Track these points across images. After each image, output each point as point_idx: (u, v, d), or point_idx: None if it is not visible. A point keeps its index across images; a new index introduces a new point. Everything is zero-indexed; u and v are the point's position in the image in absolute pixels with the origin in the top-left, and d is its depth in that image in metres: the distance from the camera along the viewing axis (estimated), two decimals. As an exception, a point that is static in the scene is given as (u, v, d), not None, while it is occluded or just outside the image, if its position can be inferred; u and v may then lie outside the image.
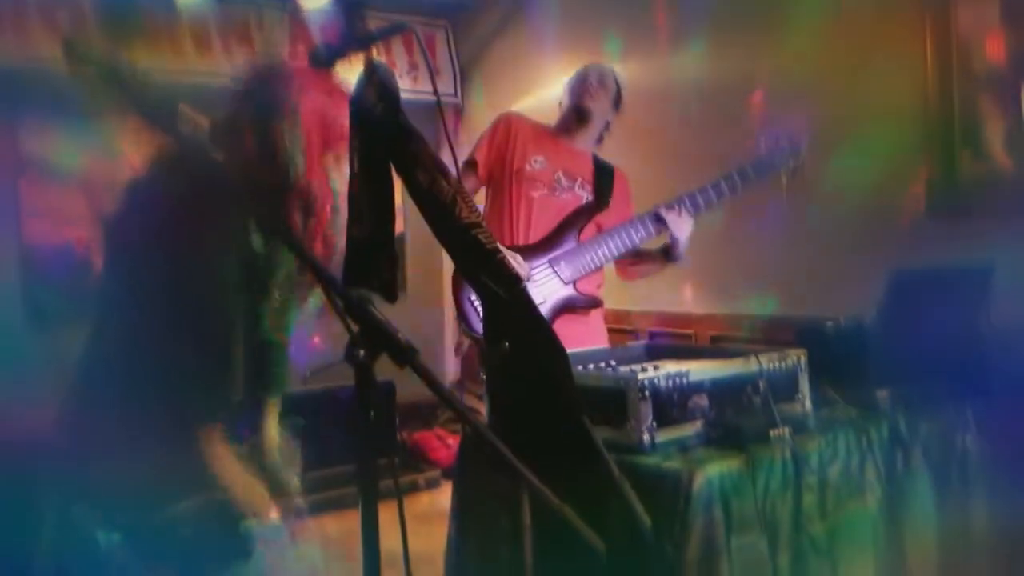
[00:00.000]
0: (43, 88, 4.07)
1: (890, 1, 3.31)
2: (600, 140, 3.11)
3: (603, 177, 3.02)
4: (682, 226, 2.84)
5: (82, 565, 1.72)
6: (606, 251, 2.85)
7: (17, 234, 4.32)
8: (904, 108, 3.33)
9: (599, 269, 2.91)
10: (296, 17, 4.86)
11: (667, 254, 2.96)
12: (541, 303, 2.80)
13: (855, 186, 3.32)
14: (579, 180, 2.99)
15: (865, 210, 3.30)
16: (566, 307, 2.86)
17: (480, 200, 3.04)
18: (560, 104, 3.08)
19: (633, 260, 3.03)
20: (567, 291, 2.84)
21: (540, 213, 2.90)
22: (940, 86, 3.26)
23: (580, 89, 3.00)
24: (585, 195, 2.98)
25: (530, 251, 2.82)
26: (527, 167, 2.92)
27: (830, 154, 2.97)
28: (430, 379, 1.18)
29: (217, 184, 1.51)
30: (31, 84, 4.13)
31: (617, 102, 3.07)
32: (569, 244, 2.87)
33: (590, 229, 2.94)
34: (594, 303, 2.95)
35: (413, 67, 5.12)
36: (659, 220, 2.83)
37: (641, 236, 2.85)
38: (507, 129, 2.98)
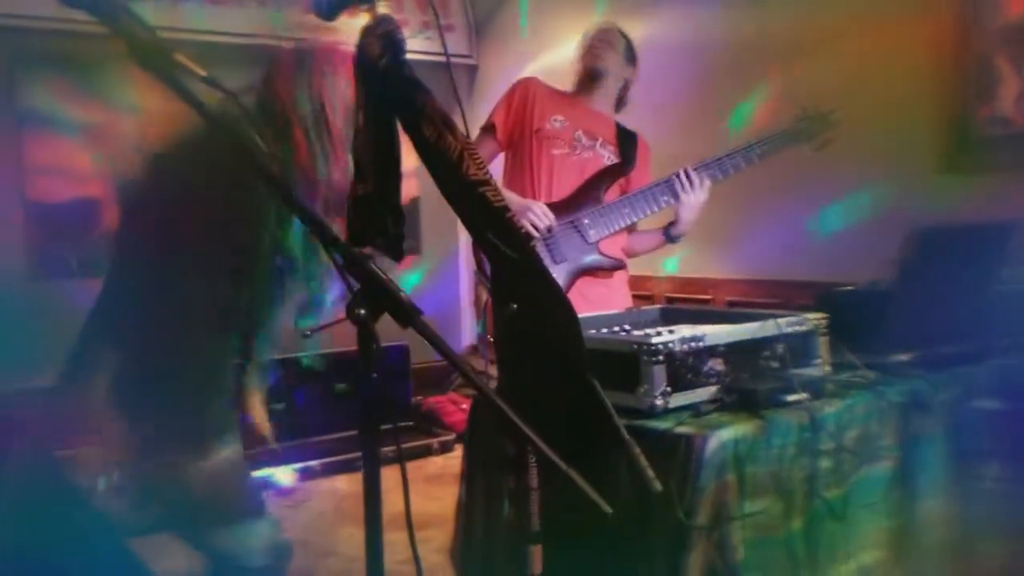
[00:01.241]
0: (45, 42, 4.05)
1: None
2: (622, 102, 3.06)
3: (626, 140, 2.98)
4: (699, 196, 2.78)
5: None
6: (631, 212, 2.80)
7: (21, 190, 4.30)
8: (920, 66, 3.26)
9: (623, 230, 2.86)
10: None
11: (668, 232, 2.91)
12: (563, 263, 2.76)
13: (871, 145, 3.26)
14: (600, 139, 2.94)
15: (881, 169, 3.24)
16: (589, 269, 2.82)
17: (499, 166, 3.01)
18: (574, 68, 3.03)
19: (630, 235, 2.98)
20: (591, 252, 2.80)
21: (561, 171, 2.86)
22: (957, 43, 3.20)
23: (587, 49, 2.96)
24: (607, 155, 2.93)
25: (553, 210, 2.77)
26: (547, 126, 2.88)
27: (845, 113, 2.90)
28: (433, 338, 1.15)
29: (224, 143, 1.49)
30: (32, 38, 4.10)
31: (630, 58, 3.01)
32: (593, 204, 2.82)
33: (613, 191, 2.89)
34: (618, 265, 2.91)
35: (426, 26, 5.04)
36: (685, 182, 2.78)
37: (666, 200, 2.80)
38: (524, 92, 2.94)
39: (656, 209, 2.81)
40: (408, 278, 5.28)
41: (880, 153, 3.25)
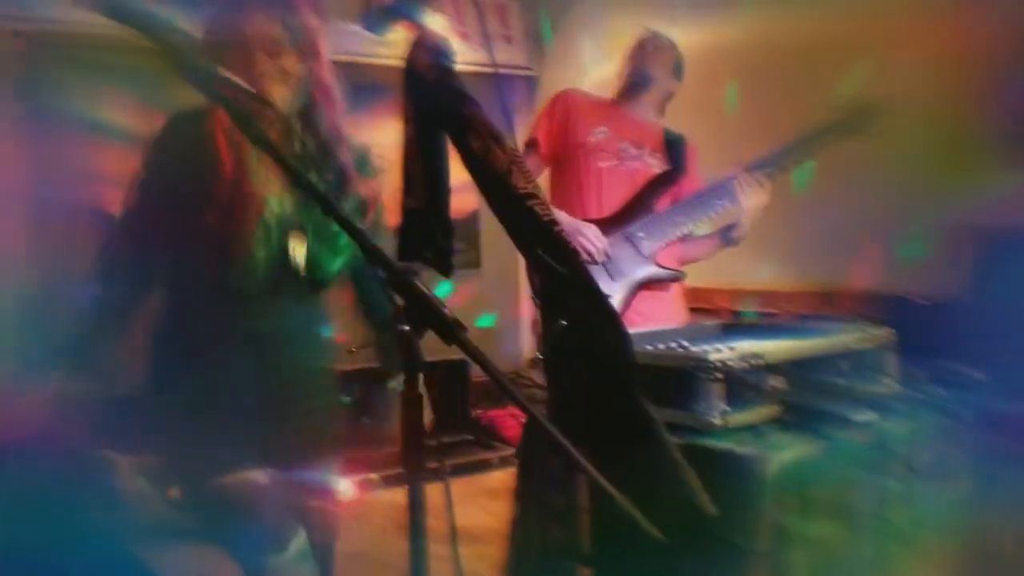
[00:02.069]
0: (119, 55, 4.15)
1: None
2: (661, 111, 2.99)
3: (674, 146, 2.90)
4: (758, 197, 2.69)
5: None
6: (685, 219, 2.73)
7: (95, 199, 4.40)
8: (980, 59, 3.12)
9: (679, 240, 2.79)
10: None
11: (725, 235, 2.82)
12: (619, 278, 2.71)
13: (938, 149, 3.14)
14: (647, 148, 2.86)
15: (953, 175, 3.12)
16: (647, 282, 2.75)
17: (543, 181, 2.97)
18: (618, 75, 2.97)
19: (684, 243, 2.87)
20: (646, 265, 2.74)
21: (610, 184, 2.79)
22: (1018, 35, 3.05)
23: (638, 55, 2.90)
24: (656, 163, 2.86)
25: (604, 224, 2.72)
26: (590, 139, 2.81)
27: (905, 114, 2.79)
28: (477, 356, 1.12)
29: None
30: (101, 53, 4.20)
31: (677, 71, 2.94)
32: (645, 214, 2.76)
33: (664, 200, 2.83)
34: (677, 276, 2.83)
35: (487, 39, 5.04)
36: (742, 185, 2.70)
37: (722, 204, 2.72)
38: (564, 104, 2.88)
39: (712, 215, 2.74)
40: (467, 289, 5.27)
41: (947, 157, 3.13)
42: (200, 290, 1.85)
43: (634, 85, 2.90)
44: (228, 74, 1.16)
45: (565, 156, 2.84)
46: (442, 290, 1.32)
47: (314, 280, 1.84)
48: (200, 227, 1.76)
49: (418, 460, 1.14)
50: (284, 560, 1.84)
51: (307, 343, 1.93)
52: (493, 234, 5.41)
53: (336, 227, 1.75)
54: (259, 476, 1.85)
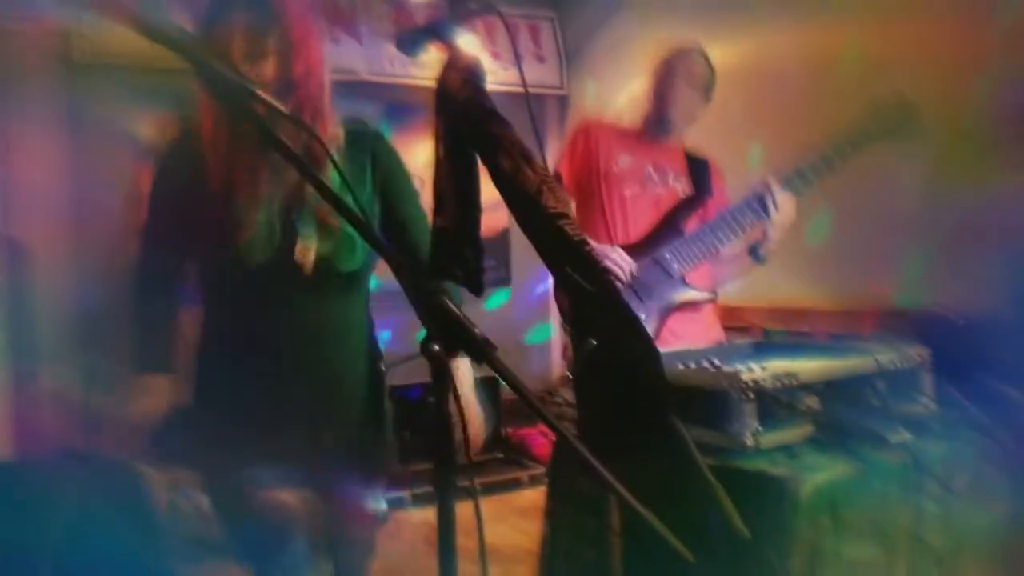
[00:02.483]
0: (162, 81, 4.23)
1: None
2: (686, 133, 2.97)
3: (698, 169, 2.89)
4: (786, 213, 2.65)
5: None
6: (713, 239, 2.71)
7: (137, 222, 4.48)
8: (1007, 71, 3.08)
9: (709, 259, 2.77)
10: (401, 6, 4.88)
11: (754, 253, 2.76)
12: (650, 301, 2.70)
13: (969, 167, 3.10)
14: (671, 173, 2.86)
15: (988, 192, 3.07)
16: (680, 304, 2.74)
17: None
18: (645, 98, 2.94)
19: (714, 264, 2.84)
20: (678, 287, 2.73)
21: (636, 211, 2.79)
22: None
23: (666, 91, 2.84)
24: (680, 188, 2.85)
25: (633, 250, 2.72)
26: (614, 167, 2.81)
27: (940, 131, 2.75)
28: (508, 377, 1.12)
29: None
30: (151, 77, 4.29)
31: (708, 91, 2.89)
32: (673, 236, 2.75)
33: (692, 223, 2.82)
34: (709, 297, 2.82)
35: (519, 58, 5.07)
36: (768, 197, 2.65)
37: (750, 221, 2.69)
38: (586, 136, 2.88)
39: (741, 233, 2.71)
40: (496, 307, 5.27)
41: (984, 174, 3.09)
42: (225, 301, 1.88)
43: (659, 123, 2.87)
44: (270, 100, 1.18)
45: (589, 187, 2.84)
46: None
47: (338, 276, 1.85)
48: (207, 239, 1.79)
49: (450, 478, 1.14)
50: None
51: (342, 346, 1.94)
52: (523, 252, 5.47)
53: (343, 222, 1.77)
54: (293, 498, 1.86)
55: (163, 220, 1.88)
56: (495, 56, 4.97)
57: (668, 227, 2.77)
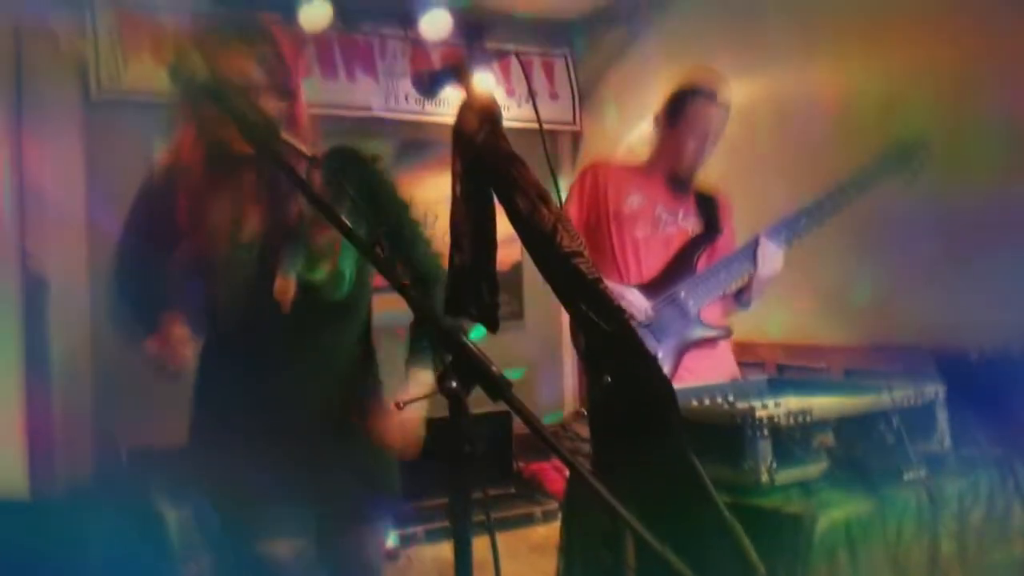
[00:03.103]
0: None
1: (998, 9, 3.09)
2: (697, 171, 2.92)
3: (707, 205, 2.88)
4: (771, 266, 2.68)
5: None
6: (727, 275, 2.72)
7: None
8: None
9: (723, 295, 2.78)
10: (418, 44, 4.94)
11: (738, 298, 2.80)
12: (667, 340, 2.70)
13: (988, 202, 3.11)
14: (681, 212, 2.85)
15: (1011, 228, 3.08)
16: (696, 341, 2.74)
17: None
18: (655, 126, 2.89)
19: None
20: (694, 324, 2.73)
21: (648, 252, 2.78)
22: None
23: (682, 152, 2.79)
24: (691, 226, 2.84)
25: (648, 289, 2.72)
26: (624, 208, 2.80)
27: (954, 169, 2.77)
28: (524, 414, 1.14)
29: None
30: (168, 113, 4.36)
31: (718, 135, 2.82)
32: (687, 275, 2.76)
33: (703, 260, 2.81)
34: (724, 334, 2.83)
35: (534, 96, 5.13)
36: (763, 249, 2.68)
37: (748, 267, 2.71)
38: (594, 177, 2.86)
39: (748, 271, 2.72)
40: (509, 340, 5.28)
41: (1003, 209, 3.10)
42: (221, 337, 1.87)
43: (675, 179, 2.84)
44: (296, 143, 1.21)
45: (599, 228, 2.83)
46: (475, 334, 1.35)
47: (328, 307, 1.84)
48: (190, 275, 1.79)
49: (465, 514, 1.15)
50: None
51: (333, 378, 1.93)
52: (535, 286, 5.47)
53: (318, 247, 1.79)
54: (290, 548, 1.84)
55: (138, 248, 1.88)
56: (509, 93, 5.03)
57: (681, 266, 2.77)
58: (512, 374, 1.12)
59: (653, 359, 1.36)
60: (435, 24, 4.76)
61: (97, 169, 4.25)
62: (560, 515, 2.36)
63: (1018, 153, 3.09)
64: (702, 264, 2.81)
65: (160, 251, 1.80)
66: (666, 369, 2.63)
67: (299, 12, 4.50)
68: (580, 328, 1.37)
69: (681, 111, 2.80)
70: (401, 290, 1.21)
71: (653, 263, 2.78)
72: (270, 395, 1.85)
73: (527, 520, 4.73)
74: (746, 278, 2.73)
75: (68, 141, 4.16)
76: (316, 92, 4.68)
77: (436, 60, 4.86)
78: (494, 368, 1.15)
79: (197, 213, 1.77)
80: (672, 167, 2.83)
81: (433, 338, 1.82)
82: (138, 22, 4.28)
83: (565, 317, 5.84)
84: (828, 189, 2.68)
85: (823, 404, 1.91)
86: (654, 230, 2.81)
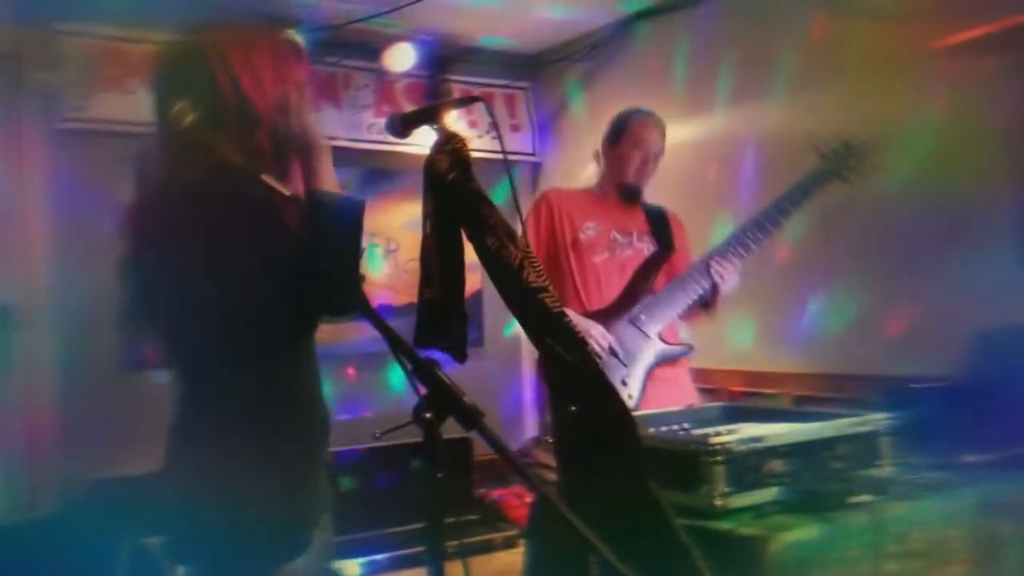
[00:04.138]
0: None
1: (981, 47, 3.23)
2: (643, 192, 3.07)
3: (659, 224, 3.00)
4: (727, 278, 2.80)
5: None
6: (683, 295, 2.83)
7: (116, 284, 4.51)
8: (993, 154, 3.24)
9: (680, 315, 2.88)
10: (383, 78, 5.02)
11: (706, 305, 2.91)
12: (633, 362, 2.79)
13: (947, 236, 3.23)
14: (635, 234, 2.97)
15: (953, 261, 3.21)
16: (660, 361, 2.84)
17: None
18: (597, 158, 3.05)
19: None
20: (655, 345, 2.83)
21: (607, 276, 2.89)
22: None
23: (628, 167, 2.95)
24: (646, 247, 2.96)
25: (607, 313, 2.81)
26: (581, 236, 2.91)
27: (912, 199, 2.89)
28: (496, 443, 1.20)
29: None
30: (132, 142, 4.37)
31: (659, 155, 2.99)
32: (644, 298, 2.86)
33: (660, 278, 2.93)
34: (685, 351, 2.93)
35: (494, 127, 5.21)
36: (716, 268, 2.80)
37: (705, 287, 2.83)
38: (548, 206, 2.96)
39: (706, 285, 2.83)
40: (470, 368, 5.32)
41: (956, 245, 3.22)
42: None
43: (626, 194, 2.97)
44: (274, 184, 1.28)
45: (557, 256, 2.93)
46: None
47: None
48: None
49: (440, 539, 1.21)
50: None
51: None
52: (496, 314, 5.51)
53: None
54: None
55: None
56: (471, 125, 5.12)
57: (638, 288, 2.88)
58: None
59: (614, 390, 1.44)
60: (400, 56, 4.86)
61: (61, 197, 4.24)
62: (523, 541, 2.41)
63: (961, 181, 3.22)
64: (660, 282, 2.91)
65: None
66: (635, 391, 2.73)
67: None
68: (545, 359, 1.44)
69: (622, 130, 2.97)
70: (379, 326, 1.27)
71: (612, 287, 2.88)
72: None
73: (487, 547, 4.75)
74: (702, 295, 2.84)
75: (33, 168, 4.15)
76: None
77: (401, 92, 4.96)
78: (466, 399, 1.21)
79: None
80: (620, 182, 2.97)
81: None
82: (105, 52, 4.31)
83: (525, 345, 5.91)
84: (777, 197, 2.82)
85: (774, 432, 1.99)
86: (611, 254, 2.91)
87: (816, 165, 2.84)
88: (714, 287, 2.82)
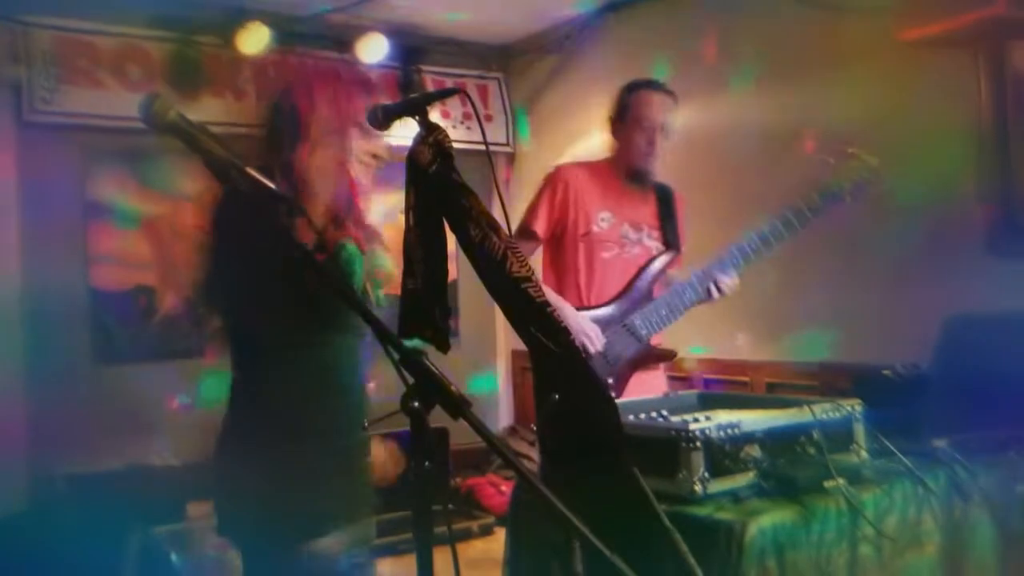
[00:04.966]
0: (114, 139, 4.30)
1: (945, 41, 3.29)
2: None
3: (667, 214, 2.93)
4: (727, 290, 2.81)
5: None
6: (680, 303, 2.80)
7: (85, 278, 4.48)
8: (961, 148, 3.30)
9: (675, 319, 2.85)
10: (355, 69, 5.00)
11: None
12: (622, 362, 2.78)
13: (913, 227, 3.28)
14: (645, 229, 2.91)
15: (924, 251, 3.27)
16: (642, 363, 2.83)
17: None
18: (611, 124, 2.90)
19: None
20: (645, 347, 2.82)
21: (611, 274, 2.84)
22: (997, 125, 3.23)
23: (634, 148, 2.83)
24: (654, 245, 2.91)
25: (603, 312, 2.79)
26: (594, 228, 2.83)
27: (886, 194, 2.93)
28: (482, 430, 1.22)
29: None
30: (102, 135, 4.34)
31: (669, 123, 2.86)
32: (644, 302, 2.83)
33: (662, 281, 2.90)
34: (670, 355, 2.92)
35: (467, 117, 5.23)
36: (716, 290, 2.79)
37: (703, 297, 2.82)
38: (566, 188, 2.84)
39: (703, 295, 2.81)
40: (444, 359, 5.33)
41: (924, 234, 3.27)
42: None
43: (634, 176, 2.88)
44: (258, 177, 1.28)
45: (563, 242, 2.86)
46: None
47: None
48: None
49: (428, 527, 1.22)
50: None
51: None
52: (471, 304, 5.54)
53: None
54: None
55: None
56: (444, 115, 5.12)
57: (639, 291, 2.84)
58: (486, 383, 1.20)
59: (597, 378, 1.46)
60: (372, 48, 4.84)
61: (29, 190, 4.20)
62: (503, 527, 2.43)
63: (934, 174, 3.27)
64: (659, 284, 2.88)
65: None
66: (617, 391, 2.73)
67: (236, 36, 4.54)
68: (529, 349, 1.45)
69: (626, 106, 2.86)
70: (365, 316, 1.28)
71: (614, 283, 2.84)
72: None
73: (464, 535, 4.79)
74: (699, 302, 2.83)
75: (1, 162, 4.11)
76: (254, 114, 4.71)
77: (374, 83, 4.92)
78: (453, 387, 1.23)
79: None
80: (627, 164, 2.87)
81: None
82: (76, 45, 4.27)
83: (500, 334, 5.92)
84: (776, 216, 2.78)
85: (750, 418, 2.03)
86: (620, 250, 2.86)
87: (826, 181, 2.76)
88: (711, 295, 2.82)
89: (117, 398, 4.14)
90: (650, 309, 2.81)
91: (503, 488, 5.03)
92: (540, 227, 2.85)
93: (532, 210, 2.88)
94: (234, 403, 1.95)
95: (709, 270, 2.80)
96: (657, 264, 2.89)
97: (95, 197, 4.47)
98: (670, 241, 2.93)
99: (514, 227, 2.82)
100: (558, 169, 2.96)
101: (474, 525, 4.86)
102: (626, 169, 2.89)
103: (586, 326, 2.71)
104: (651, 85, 2.89)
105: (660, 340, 2.94)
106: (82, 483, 3.69)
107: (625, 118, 2.86)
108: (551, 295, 2.49)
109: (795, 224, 2.76)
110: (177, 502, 3.79)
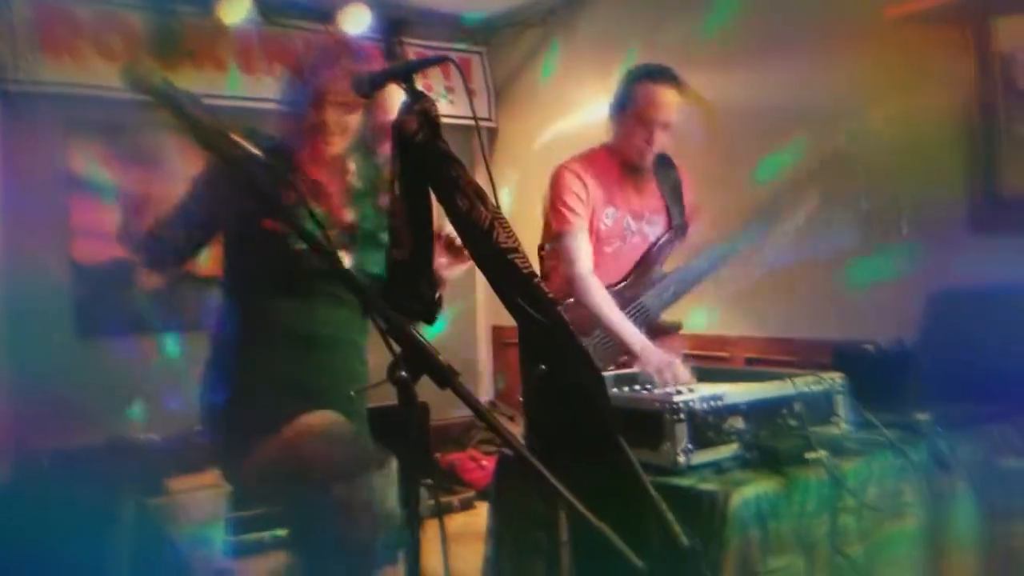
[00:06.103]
0: (94, 110, 4.23)
1: (931, 17, 3.28)
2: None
3: (673, 196, 2.89)
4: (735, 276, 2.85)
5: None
6: (693, 279, 2.79)
7: (67, 251, 4.42)
8: (947, 125, 3.31)
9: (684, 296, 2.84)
10: (340, 39, 4.95)
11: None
12: None
13: (896, 204, 3.29)
14: (645, 216, 2.84)
15: (907, 228, 3.28)
16: (651, 338, 2.72)
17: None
18: (612, 109, 2.77)
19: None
20: (654, 324, 2.80)
21: (615, 264, 2.79)
22: (983, 102, 3.24)
23: (632, 145, 2.73)
24: (655, 230, 2.86)
25: (612, 294, 2.73)
26: (601, 226, 2.77)
27: (871, 171, 2.93)
28: (469, 400, 1.22)
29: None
30: (83, 106, 4.27)
31: (673, 116, 2.72)
32: (652, 283, 2.81)
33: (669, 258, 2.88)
34: (676, 327, 2.92)
35: (449, 91, 5.19)
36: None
37: (710, 275, 2.82)
38: (585, 188, 2.72)
39: (714, 272, 2.81)
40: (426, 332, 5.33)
41: (908, 211, 3.29)
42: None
43: (634, 168, 2.80)
44: (243, 143, 1.27)
45: None
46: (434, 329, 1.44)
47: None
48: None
49: (415, 497, 1.22)
50: None
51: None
52: (452, 278, 5.48)
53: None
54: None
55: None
56: (426, 88, 5.07)
57: (645, 273, 2.82)
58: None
59: (584, 350, 1.46)
60: (354, 19, 4.79)
61: (11, 161, 4.14)
62: (484, 501, 2.44)
63: (923, 155, 3.28)
64: (668, 259, 2.86)
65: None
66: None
67: (217, 5, 4.47)
68: (516, 320, 1.45)
69: (627, 98, 2.73)
70: (352, 284, 1.27)
71: (616, 272, 2.80)
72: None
73: (445, 509, 4.80)
74: (713, 274, 2.82)
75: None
76: (236, 86, 4.67)
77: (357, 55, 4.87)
78: (441, 358, 1.22)
79: None
80: (626, 160, 2.78)
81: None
82: (55, 15, 4.19)
83: (481, 307, 5.88)
84: (774, 201, 2.79)
85: (733, 391, 2.04)
86: (622, 243, 2.82)
87: (811, 171, 2.82)
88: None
89: (99, 372, 4.10)
90: (657, 292, 2.77)
91: (484, 463, 5.04)
92: (585, 216, 2.73)
93: (570, 207, 2.72)
94: (217, 362, 1.99)
95: (720, 252, 2.79)
96: (665, 244, 2.86)
97: (75, 169, 4.41)
98: (675, 223, 2.88)
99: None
100: (567, 171, 2.78)
101: (455, 499, 4.87)
102: (621, 161, 2.81)
103: (666, 359, 2.45)
104: (657, 77, 2.71)
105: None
106: (65, 458, 3.66)
107: (626, 109, 2.73)
108: (618, 316, 2.59)
109: (783, 211, 2.79)
110: (158, 476, 3.77)
